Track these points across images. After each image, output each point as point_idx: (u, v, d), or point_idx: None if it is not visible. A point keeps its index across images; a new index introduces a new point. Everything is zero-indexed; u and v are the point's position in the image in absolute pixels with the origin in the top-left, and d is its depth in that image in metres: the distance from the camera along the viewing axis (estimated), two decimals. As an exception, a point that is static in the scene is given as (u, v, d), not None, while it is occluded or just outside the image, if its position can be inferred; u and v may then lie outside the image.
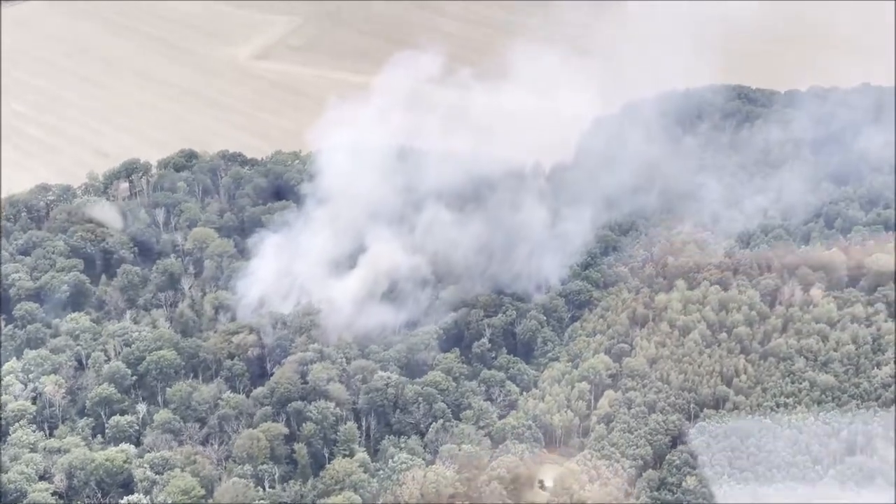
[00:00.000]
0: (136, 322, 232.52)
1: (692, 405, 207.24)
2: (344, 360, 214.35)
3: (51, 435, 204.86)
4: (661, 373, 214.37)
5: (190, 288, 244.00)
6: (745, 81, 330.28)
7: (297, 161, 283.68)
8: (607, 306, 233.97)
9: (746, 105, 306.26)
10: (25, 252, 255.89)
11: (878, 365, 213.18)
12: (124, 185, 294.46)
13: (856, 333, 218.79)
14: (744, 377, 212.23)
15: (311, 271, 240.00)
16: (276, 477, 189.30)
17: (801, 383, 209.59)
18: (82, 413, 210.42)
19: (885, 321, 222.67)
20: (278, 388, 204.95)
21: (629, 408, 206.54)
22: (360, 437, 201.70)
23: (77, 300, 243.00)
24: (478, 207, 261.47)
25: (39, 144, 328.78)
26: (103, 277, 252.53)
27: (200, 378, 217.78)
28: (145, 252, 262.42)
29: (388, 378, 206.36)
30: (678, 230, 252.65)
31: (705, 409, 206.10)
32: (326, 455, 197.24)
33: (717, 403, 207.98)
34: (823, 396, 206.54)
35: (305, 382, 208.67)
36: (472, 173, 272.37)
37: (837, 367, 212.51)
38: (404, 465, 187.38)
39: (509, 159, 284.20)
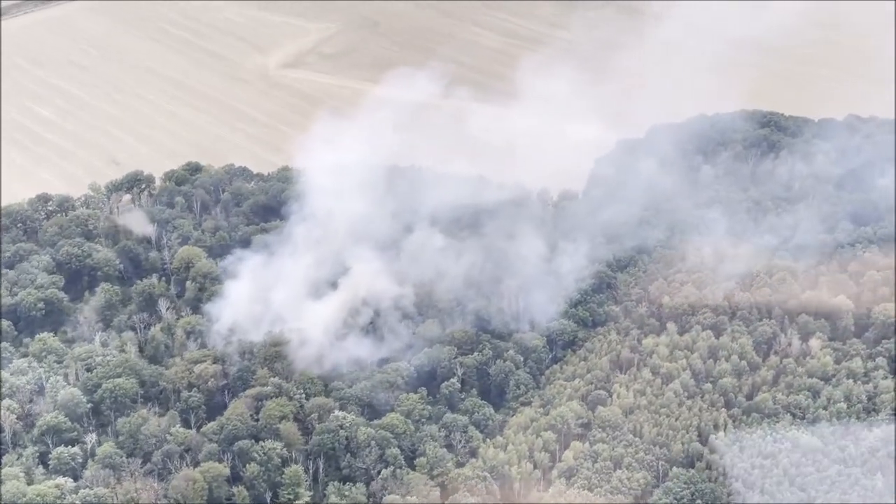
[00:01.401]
0: (104, 345, 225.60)
1: (662, 462, 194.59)
2: (303, 396, 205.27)
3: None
4: (635, 424, 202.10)
5: (167, 310, 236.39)
6: (780, 107, 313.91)
7: (303, 178, 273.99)
8: (592, 348, 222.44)
9: (775, 133, 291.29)
10: (11, 265, 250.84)
11: (870, 426, 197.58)
12: (127, 197, 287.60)
13: (850, 390, 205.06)
14: (722, 434, 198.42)
15: (288, 297, 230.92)
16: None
17: (782, 444, 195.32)
18: (35, 440, 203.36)
19: (885, 378, 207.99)
20: (228, 424, 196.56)
21: (594, 462, 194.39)
22: (307, 480, 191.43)
23: (54, 318, 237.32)
24: (473, 234, 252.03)
25: (55, 150, 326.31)
26: (86, 295, 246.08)
27: (158, 408, 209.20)
28: (132, 269, 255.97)
29: (343, 419, 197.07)
30: (678, 268, 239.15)
31: (675, 468, 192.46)
32: (269, 499, 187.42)
33: (690, 461, 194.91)
34: (804, 459, 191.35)
35: (258, 419, 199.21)
36: (474, 197, 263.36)
37: (825, 427, 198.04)
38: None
39: (518, 184, 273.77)
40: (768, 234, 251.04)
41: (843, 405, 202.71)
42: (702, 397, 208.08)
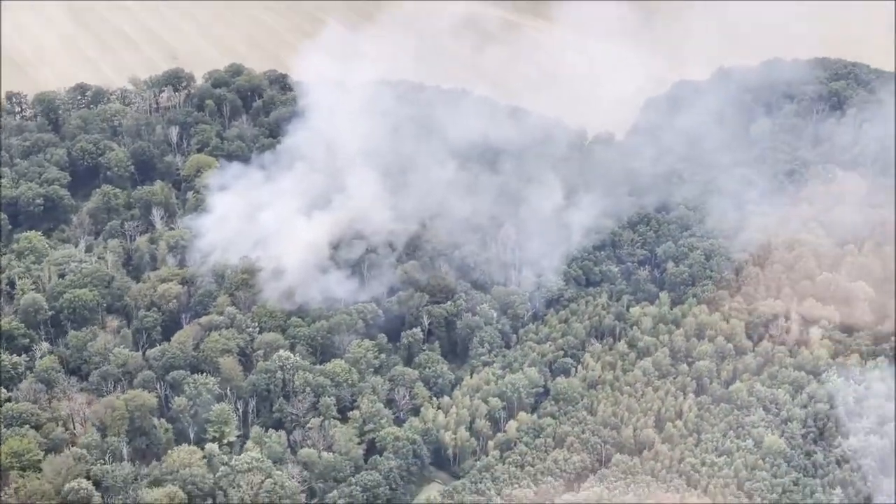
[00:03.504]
0: (88, 251, 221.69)
1: (607, 446, 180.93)
2: (256, 330, 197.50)
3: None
4: (592, 401, 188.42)
5: (162, 220, 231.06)
6: (871, 58, 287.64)
7: (314, 92, 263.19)
8: (576, 310, 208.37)
9: (850, 87, 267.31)
10: (28, 155, 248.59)
11: (847, 434, 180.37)
12: (164, 95, 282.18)
13: (836, 390, 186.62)
14: (680, 423, 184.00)
15: (277, 218, 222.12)
16: (122, 453, 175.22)
17: (744, 440, 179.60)
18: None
19: (882, 381, 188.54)
20: (169, 351, 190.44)
21: (535, 437, 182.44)
22: (237, 420, 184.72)
23: (55, 216, 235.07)
24: (488, 171, 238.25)
25: (123, 40, 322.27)
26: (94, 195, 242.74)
27: (117, 324, 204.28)
28: (144, 172, 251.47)
29: (286, 360, 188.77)
30: (693, 231, 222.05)
31: (619, 454, 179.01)
32: (192, 434, 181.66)
33: (638, 448, 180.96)
34: (761, 462, 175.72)
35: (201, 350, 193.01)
36: (505, 131, 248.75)
37: (796, 427, 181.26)
38: (247, 466, 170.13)
39: (557, 120, 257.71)
40: (806, 202, 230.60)
41: (825, 406, 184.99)
42: (674, 378, 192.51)
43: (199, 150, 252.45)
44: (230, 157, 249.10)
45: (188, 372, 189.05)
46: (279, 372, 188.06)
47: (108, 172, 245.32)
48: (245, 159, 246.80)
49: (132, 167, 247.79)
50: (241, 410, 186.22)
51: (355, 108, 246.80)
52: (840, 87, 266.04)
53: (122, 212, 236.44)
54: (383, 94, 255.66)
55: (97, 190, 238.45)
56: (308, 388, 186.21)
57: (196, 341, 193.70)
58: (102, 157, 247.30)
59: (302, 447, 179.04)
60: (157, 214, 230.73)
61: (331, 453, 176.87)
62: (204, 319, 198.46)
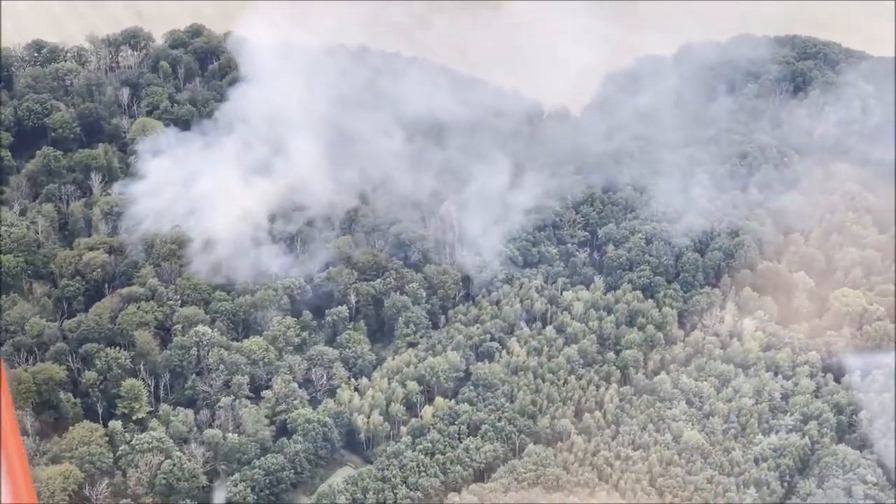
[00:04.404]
0: (22, 214, 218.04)
1: (522, 435, 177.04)
2: (178, 303, 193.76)
3: None
4: (512, 387, 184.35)
5: (101, 183, 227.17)
6: (846, 37, 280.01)
7: (259, 56, 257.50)
8: (508, 292, 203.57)
9: (817, 67, 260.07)
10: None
11: (768, 431, 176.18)
12: (123, 54, 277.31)
13: (763, 385, 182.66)
14: (599, 414, 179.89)
15: (214, 187, 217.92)
16: (25, 427, 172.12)
17: (662, 434, 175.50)
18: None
19: (811, 376, 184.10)
20: (85, 322, 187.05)
21: (450, 424, 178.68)
22: (149, 395, 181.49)
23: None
24: (436, 145, 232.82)
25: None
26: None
27: (42, 292, 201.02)
28: (92, 134, 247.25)
29: (203, 335, 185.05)
30: (636, 214, 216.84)
31: (532, 445, 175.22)
32: (101, 410, 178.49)
33: (555, 438, 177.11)
34: (677, 458, 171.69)
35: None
36: (458, 103, 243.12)
37: (717, 422, 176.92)
38: (147, 446, 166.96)
39: (516, 94, 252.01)
40: (756, 187, 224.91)
41: (749, 401, 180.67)
42: (600, 366, 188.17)
43: (149, 113, 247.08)
44: (178, 121, 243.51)
45: (102, 345, 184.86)
46: (194, 348, 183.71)
47: (54, 134, 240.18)
48: (190, 124, 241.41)
49: (78, 129, 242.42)
50: (152, 386, 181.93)
51: (305, 73, 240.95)
52: (806, 66, 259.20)
53: (65, 175, 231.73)
54: (338, 59, 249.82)
55: (39, 151, 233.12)
56: (222, 366, 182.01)
57: (114, 313, 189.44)
58: (48, 118, 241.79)
59: (209, 427, 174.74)
60: (95, 179, 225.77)
61: (237, 434, 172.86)
62: (125, 290, 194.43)
